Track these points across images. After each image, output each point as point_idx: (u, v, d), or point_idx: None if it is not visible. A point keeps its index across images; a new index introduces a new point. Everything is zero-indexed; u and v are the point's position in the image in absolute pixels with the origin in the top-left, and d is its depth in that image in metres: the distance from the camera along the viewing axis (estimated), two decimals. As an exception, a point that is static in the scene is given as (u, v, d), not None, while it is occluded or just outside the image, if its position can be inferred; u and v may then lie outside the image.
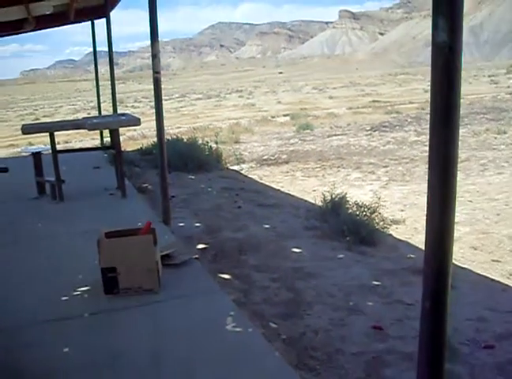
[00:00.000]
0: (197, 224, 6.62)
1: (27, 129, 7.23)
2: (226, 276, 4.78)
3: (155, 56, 5.73)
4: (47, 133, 7.32)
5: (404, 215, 7.88)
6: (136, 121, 7.45)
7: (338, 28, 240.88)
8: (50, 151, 7.37)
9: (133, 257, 3.97)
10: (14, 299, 4.06)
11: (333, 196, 7.40)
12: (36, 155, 7.82)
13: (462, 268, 5.39)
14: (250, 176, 11.30)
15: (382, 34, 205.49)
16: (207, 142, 12.87)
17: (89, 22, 12.54)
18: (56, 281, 4.42)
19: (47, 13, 11.11)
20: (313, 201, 8.05)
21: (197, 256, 4.95)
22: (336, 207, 7.09)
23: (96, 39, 12.79)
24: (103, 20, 11.18)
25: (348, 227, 6.15)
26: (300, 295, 4.47)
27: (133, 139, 18.67)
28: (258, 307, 4.17)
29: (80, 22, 12.65)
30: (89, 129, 7.69)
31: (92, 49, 12.99)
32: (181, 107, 38.83)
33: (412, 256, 5.84)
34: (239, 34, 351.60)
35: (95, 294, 4.06)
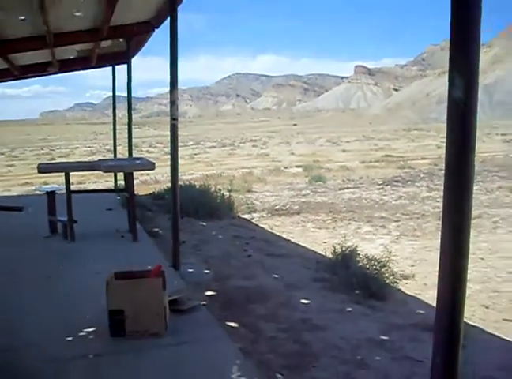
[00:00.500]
0: (207, 271, 6.61)
1: (43, 169, 7.32)
2: (233, 324, 4.75)
3: (173, 103, 5.83)
4: (63, 173, 7.40)
5: (414, 271, 7.82)
6: (150, 166, 7.53)
7: (353, 82, 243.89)
8: (65, 190, 7.45)
9: (142, 299, 3.96)
10: (20, 336, 4.04)
11: (344, 248, 7.38)
12: (50, 195, 7.89)
13: (473, 326, 5.32)
14: (261, 225, 11.31)
15: (396, 90, 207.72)
16: (219, 190, 12.94)
17: (110, 67, 12.81)
18: (63, 320, 4.41)
19: (71, 57, 11.37)
20: (323, 253, 8.03)
21: (204, 302, 4.94)
22: (346, 259, 7.06)
23: (116, 83, 13.06)
24: (124, 65, 11.42)
25: (357, 280, 6.11)
26: (307, 347, 4.42)
27: (146, 183, 18.83)
28: (265, 357, 4.12)
29: (101, 67, 12.92)
30: (104, 171, 7.77)
31: (110, 93, 13.24)
32: (195, 154, 39.19)
33: (421, 312, 5.78)
34: (256, 85, 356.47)
35: (101, 335, 4.04)
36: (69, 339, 4.02)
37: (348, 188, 17.91)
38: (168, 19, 6.15)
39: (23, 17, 7.06)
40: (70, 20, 7.97)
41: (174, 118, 5.84)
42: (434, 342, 2.04)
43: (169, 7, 6.06)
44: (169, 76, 5.87)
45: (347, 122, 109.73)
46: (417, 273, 7.71)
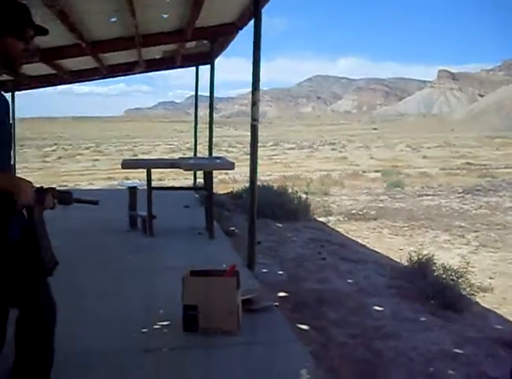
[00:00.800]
0: (281, 272, 6.64)
1: (126, 165, 7.55)
2: (304, 327, 4.75)
3: (254, 104, 5.88)
4: (144, 170, 7.61)
5: (493, 284, 7.61)
6: (230, 166, 7.64)
7: (436, 87, 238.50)
8: (146, 187, 7.65)
9: (216, 297, 4.02)
10: (96, 328, 4.18)
11: (420, 256, 7.26)
12: (132, 190, 8.12)
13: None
14: (336, 229, 11.26)
15: (481, 95, 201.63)
16: (297, 192, 12.96)
17: (193, 67, 13.06)
18: (139, 313, 4.53)
19: (156, 57, 11.67)
20: (398, 260, 7.92)
21: (277, 303, 4.96)
22: (422, 268, 6.94)
23: (199, 83, 13.30)
24: (207, 65, 11.62)
25: (433, 290, 6.00)
26: (378, 355, 4.37)
27: (225, 182, 19.06)
28: (335, 363, 4.11)
29: (185, 67, 13.19)
30: (185, 170, 7.93)
31: (193, 92, 13.50)
32: (273, 155, 39.37)
33: (499, 327, 5.62)
34: (336, 88, 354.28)
35: (174, 329, 4.13)
36: (144, 330, 4.13)
37: (427, 195, 17.57)
38: (252, 21, 6.21)
39: (114, 19, 7.31)
40: (158, 22, 8.20)
41: (254, 119, 5.89)
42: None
43: (253, 9, 6.12)
44: (251, 78, 5.93)
45: (428, 128, 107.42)
46: (496, 286, 7.49)
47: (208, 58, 11.27)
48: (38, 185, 2.56)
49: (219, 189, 14.52)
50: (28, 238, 2.51)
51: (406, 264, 7.34)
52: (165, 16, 7.89)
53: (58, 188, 2.77)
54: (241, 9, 8.21)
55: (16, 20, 2.36)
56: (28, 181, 2.41)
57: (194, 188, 10.95)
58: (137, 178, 18.66)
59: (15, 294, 2.54)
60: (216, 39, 10.01)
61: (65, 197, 2.72)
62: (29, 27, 2.40)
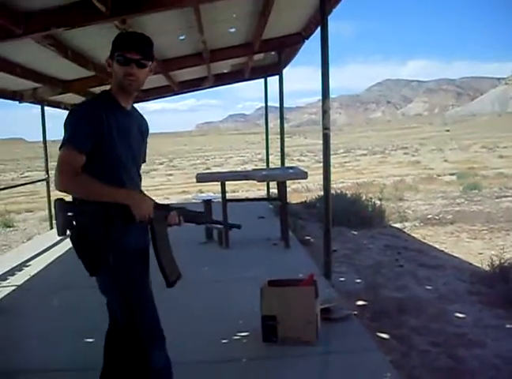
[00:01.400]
0: (358, 280, 6.59)
1: (200, 178, 7.69)
2: (384, 336, 4.70)
3: (325, 112, 5.88)
4: (218, 182, 7.73)
5: None
6: (303, 175, 7.67)
7: (510, 83, 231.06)
8: (220, 199, 7.77)
9: (294, 307, 4.04)
10: (177, 339, 4.26)
11: (502, 260, 7.05)
12: (207, 203, 8.27)
13: None
14: (412, 235, 11.06)
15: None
16: (370, 198, 12.83)
17: (262, 79, 13.18)
18: (218, 324, 4.60)
19: (225, 71, 11.85)
20: (479, 265, 7.71)
21: (355, 312, 4.94)
22: (504, 272, 6.73)
23: (268, 94, 13.41)
24: (275, 76, 11.71)
25: (517, 296, 5.81)
26: (462, 364, 4.27)
27: (298, 191, 19.07)
28: (416, 371, 4.05)
29: (253, 79, 13.33)
30: (258, 181, 8.00)
31: (262, 104, 13.67)
32: (345, 162, 39.09)
33: None
34: (406, 91, 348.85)
35: (253, 340, 4.17)
36: (224, 341, 4.19)
37: (506, 196, 17.02)
38: (318, 29, 6.23)
39: (182, 37, 7.48)
40: (225, 36, 8.34)
41: (326, 128, 5.89)
42: None
43: (320, 17, 6.14)
44: (321, 86, 5.94)
45: (504, 127, 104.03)
46: None
47: (276, 68, 11.36)
48: (163, 203, 2.76)
49: (292, 198, 14.54)
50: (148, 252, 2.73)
51: (487, 268, 7.14)
52: (232, 30, 8.01)
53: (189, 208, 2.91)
54: (306, 18, 8.26)
55: (118, 46, 2.53)
56: (149, 198, 2.63)
57: (268, 199, 11.02)
58: (211, 191, 18.92)
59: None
60: (283, 49, 10.08)
61: (194, 217, 2.92)
62: (123, 49, 2.52)
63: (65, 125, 2.48)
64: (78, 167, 2.43)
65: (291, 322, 4.04)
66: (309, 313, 4.03)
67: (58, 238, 9.26)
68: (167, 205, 2.75)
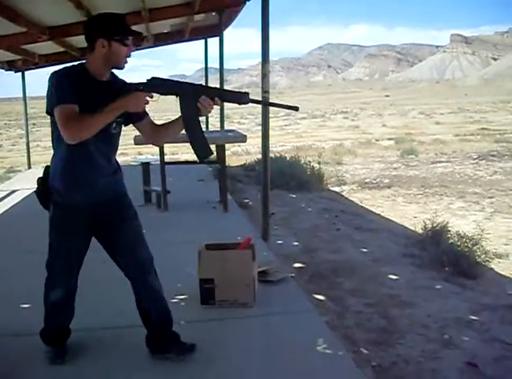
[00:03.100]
0: (295, 243, 6.67)
1: (138, 141, 7.54)
2: (320, 297, 4.80)
3: (264, 75, 5.85)
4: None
5: (509, 250, 7.59)
6: (242, 138, 7.65)
7: (449, 52, 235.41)
8: (158, 162, 7.68)
9: (231, 270, 4.07)
10: (115, 302, 4.24)
11: (434, 224, 7.26)
12: (145, 166, 8.17)
13: None
14: (350, 198, 11.26)
15: (495, 59, 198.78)
16: (309, 162, 12.95)
17: (202, 40, 13.00)
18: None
19: (165, 31, 11.62)
20: (413, 228, 7.93)
21: (293, 274, 5.01)
22: (436, 236, 6.95)
23: (208, 56, 13.26)
24: (216, 38, 11.56)
25: (447, 258, 6.01)
26: (393, 323, 4.41)
27: (237, 154, 19.08)
28: (350, 331, 4.16)
29: (194, 40, 13.13)
30: (197, 144, 7.92)
31: (202, 65, 13.46)
32: (285, 126, 39.22)
33: (514, 293, 5.64)
34: (348, 55, 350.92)
35: (191, 303, 4.18)
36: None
37: (440, 162, 17.48)
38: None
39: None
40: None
41: (265, 91, 5.86)
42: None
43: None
44: (260, 49, 5.90)
45: (441, 94, 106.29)
46: (511, 252, 7.48)
47: (216, 30, 11.21)
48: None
49: (231, 161, 14.54)
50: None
51: (420, 232, 7.35)
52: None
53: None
54: (248, -21, 8.15)
55: (120, 30, 2.88)
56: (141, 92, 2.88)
57: (207, 162, 10.95)
58: (150, 153, 18.71)
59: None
60: (224, 10, 9.94)
61: (234, 96, 2.99)
62: (129, 34, 2.93)
63: (49, 89, 2.83)
64: (75, 116, 2.77)
65: (229, 285, 4.07)
66: (246, 276, 4.07)
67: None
68: (201, 86, 3.00)
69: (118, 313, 4.03)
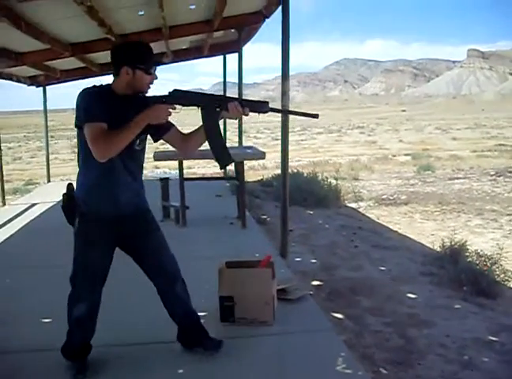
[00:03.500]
0: (314, 260, 6.68)
1: (158, 157, 7.63)
2: (339, 316, 4.81)
3: (284, 93, 5.90)
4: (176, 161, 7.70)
5: (527, 269, 7.55)
6: (261, 155, 7.70)
7: (465, 67, 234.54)
8: (177, 176, 7.74)
9: (251, 288, 4.08)
10: (130, 319, 4.27)
11: (453, 242, 7.25)
12: (164, 181, 8.22)
13: None
14: (367, 215, 11.25)
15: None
16: (326, 178, 12.97)
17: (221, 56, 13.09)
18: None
19: (184, 47, 11.72)
20: (431, 246, 7.91)
21: (311, 292, 5.02)
22: (455, 254, 6.94)
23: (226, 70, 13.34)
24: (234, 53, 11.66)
25: (466, 277, 6.00)
26: (412, 343, 4.41)
27: (254, 169, 19.12)
28: (369, 351, 4.16)
29: (212, 56, 13.21)
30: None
31: (220, 79, 13.56)
32: (302, 140, 39.24)
33: (534, 313, 5.60)
34: (364, 70, 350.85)
35: (211, 320, 4.19)
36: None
37: (458, 178, 17.41)
38: (279, 8, 6.22)
39: (142, 13, 7.37)
40: (185, 13, 8.23)
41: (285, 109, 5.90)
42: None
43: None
44: (280, 65, 5.96)
45: (458, 109, 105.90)
46: (530, 271, 7.44)
47: (235, 46, 11.28)
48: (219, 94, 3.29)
49: (249, 176, 14.54)
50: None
51: (438, 250, 7.34)
52: (193, 7, 7.92)
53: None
54: (268, -3, 8.22)
55: (146, 60, 3.06)
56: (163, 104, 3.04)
57: (226, 178, 11.00)
58: (167, 166, 18.82)
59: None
60: (243, 27, 10.02)
61: (257, 106, 3.08)
62: (154, 64, 3.09)
63: (78, 106, 2.97)
64: (103, 135, 2.89)
65: (249, 303, 4.09)
66: (266, 294, 4.08)
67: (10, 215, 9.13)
68: (224, 96, 3.16)
69: (137, 329, 4.07)
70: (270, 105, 3.12)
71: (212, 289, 4.25)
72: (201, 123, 3.14)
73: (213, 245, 6.55)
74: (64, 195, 3.21)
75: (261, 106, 3.07)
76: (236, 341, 3.91)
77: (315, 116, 3.16)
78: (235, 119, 3.21)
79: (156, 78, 3.14)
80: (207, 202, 9.41)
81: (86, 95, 3.00)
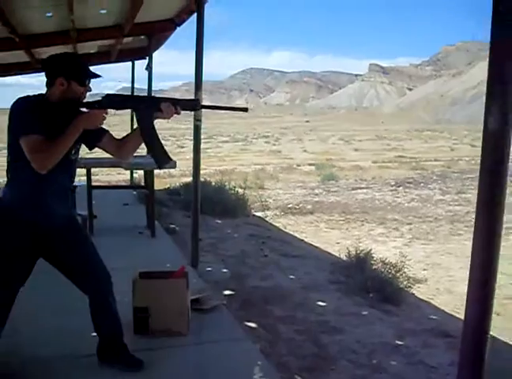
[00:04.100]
0: (224, 270, 6.69)
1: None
2: (252, 325, 4.84)
3: (197, 103, 5.88)
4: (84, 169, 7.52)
5: (427, 275, 7.91)
6: (171, 165, 7.62)
7: (367, 80, 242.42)
8: (84, 184, 7.57)
9: (166, 299, 4.05)
10: (45, 333, 4.14)
11: (358, 251, 7.46)
12: (72, 189, 7.99)
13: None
14: (274, 224, 11.39)
15: (410, 89, 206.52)
16: (234, 187, 13.03)
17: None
18: (84, 316, 4.47)
19: (91, 51, 11.48)
20: (337, 254, 8.11)
21: (224, 302, 5.02)
22: (360, 262, 7.14)
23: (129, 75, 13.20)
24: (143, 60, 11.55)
25: (372, 284, 6.19)
26: (325, 350, 4.50)
27: (160, 177, 18.92)
28: (284, 359, 4.21)
29: (121, 62, 13.00)
30: (125, 169, 7.86)
31: (125, 84, 13.38)
32: (207, 149, 39.24)
33: (434, 317, 5.87)
34: (270, 80, 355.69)
35: (124, 332, 4.12)
36: (94, 334, 4.08)
37: (360, 188, 17.99)
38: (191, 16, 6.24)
39: (50, 14, 7.17)
40: (95, 17, 8.07)
41: (198, 119, 5.90)
42: (461, 354, 2.11)
43: (195, 5, 6.14)
44: (194, 77, 5.97)
45: (359, 121, 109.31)
46: (430, 277, 7.80)
47: (144, 52, 11.17)
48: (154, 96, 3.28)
49: (155, 184, 14.39)
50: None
51: (345, 258, 7.53)
52: (103, 11, 7.78)
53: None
54: (180, 5, 8.18)
55: (81, 72, 3.10)
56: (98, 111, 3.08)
57: (135, 187, 10.85)
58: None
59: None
60: (154, 34, 9.94)
61: (189, 104, 3.17)
62: (89, 77, 3.14)
63: (13, 117, 2.98)
64: (41, 146, 2.89)
65: (163, 314, 4.05)
66: (181, 305, 4.07)
67: None
68: (156, 97, 3.20)
69: (44, 343, 3.94)
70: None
71: (125, 299, 4.17)
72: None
73: (123, 255, 6.42)
74: None
75: (192, 104, 3.17)
76: (151, 353, 3.86)
77: (245, 110, 3.27)
78: (168, 119, 3.21)
79: (90, 90, 3.16)
80: (114, 211, 9.23)
81: (20, 106, 3.01)
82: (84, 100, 3.13)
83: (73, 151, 3.14)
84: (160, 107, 3.05)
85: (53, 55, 3.23)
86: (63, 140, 2.93)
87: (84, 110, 3.12)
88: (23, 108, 2.99)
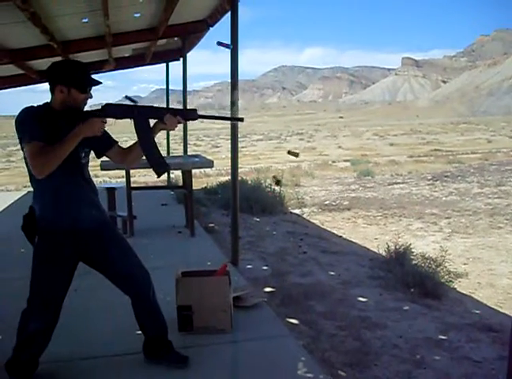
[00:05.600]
0: (265, 267, 6.73)
1: (105, 166, 7.54)
2: (294, 321, 4.87)
3: (233, 103, 5.94)
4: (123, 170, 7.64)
5: (468, 269, 7.80)
6: (209, 164, 7.72)
7: (400, 74, 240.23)
8: (124, 186, 7.68)
9: (209, 297, 4.10)
10: (87, 332, 4.23)
11: (397, 246, 7.42)
12: (110, 191, 8.13)
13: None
14: (311, 221, 11.38)
15: (444, 82, 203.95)
16: (270, 185, 13.06)
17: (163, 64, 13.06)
18: (129, 315, 4.55)
19: (126, 55, 11.62)
20: (375, 250, 8.07)
21: (265, 299, 5.06)
22: (400, 257, 7.10)
23: (162, 77, 13.32)
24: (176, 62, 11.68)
25: (412, 279, 6.16)
26: (367, 345, 4.50)
27: (196, 177, 19.05)
28: (327, 354, 4.23)
29: (155, 64, 13.14)
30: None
31: (158, 86, 13.75)
32: (242, 147, 39.24)
33: (476, 311, 5.80)
34: (302, 77, 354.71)
35: (169, 330, 4.18)
36: (138, 333, 4.15)
37: (397, 183, 17.80)
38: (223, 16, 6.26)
39: (86, 20, 7.29)
40: (130, 21, 8.18)
41: (235, 118, 5.94)
42: (511, 348, 2.10)
43: (229, 5, 6.18)
44: (230, 77, 6.01)
45: (393, 115, 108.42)
46: (470, 271, 7.68)
47: (178, 54, 11.29)
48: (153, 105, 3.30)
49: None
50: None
51: (384, 253, 7.50)
52: (137, 15, 7.88)
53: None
54: (213, 6, 8.25)
55: (80, 79, 3.12)
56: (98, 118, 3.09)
57: (173, 187, 10.95)
58: (106, 175, 18.52)
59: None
60: (188, 36, 10.03)
61: (188, 114, 3.24)
62: (89, 85, 3.17)
63: (19, 126, 3.02)
64: (41, 152, 2.93)
65: (206, 311, 4.10)
66: (223, 302, 4.11)
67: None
68: (154, 107, 3.28)
69: (88, 343, 4.02)
70: (209, 112, 3.21)
71: (167, 298, 4.24)
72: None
73: (164, 254, 6.52)
74: (24, 216, 3.21)
75: (191, 114, 3.23)
76: (196, 350, 3.91)
77: (241, 120, 3.34)
78: (173, 130, 3.32)
79: (91, 97, 3.22)
80: (153, 211, 9.36)
81: (25, 115, 3.05)
82: (102, 105, 3.17)
83: (82, 155, 3.21)
84: (161, 118, 3.15)
85: (54, 63, 3.29)
86: (62, 146, 2.97)
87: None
88: (25, 117, 3.05)
